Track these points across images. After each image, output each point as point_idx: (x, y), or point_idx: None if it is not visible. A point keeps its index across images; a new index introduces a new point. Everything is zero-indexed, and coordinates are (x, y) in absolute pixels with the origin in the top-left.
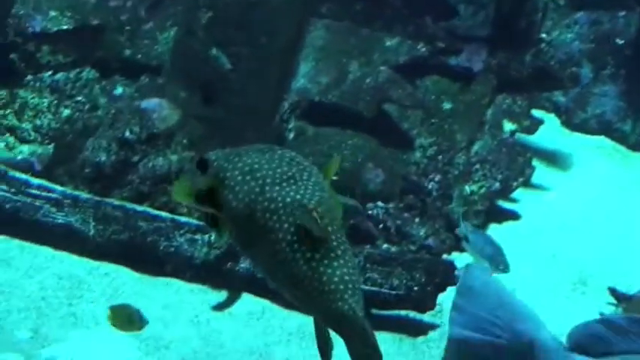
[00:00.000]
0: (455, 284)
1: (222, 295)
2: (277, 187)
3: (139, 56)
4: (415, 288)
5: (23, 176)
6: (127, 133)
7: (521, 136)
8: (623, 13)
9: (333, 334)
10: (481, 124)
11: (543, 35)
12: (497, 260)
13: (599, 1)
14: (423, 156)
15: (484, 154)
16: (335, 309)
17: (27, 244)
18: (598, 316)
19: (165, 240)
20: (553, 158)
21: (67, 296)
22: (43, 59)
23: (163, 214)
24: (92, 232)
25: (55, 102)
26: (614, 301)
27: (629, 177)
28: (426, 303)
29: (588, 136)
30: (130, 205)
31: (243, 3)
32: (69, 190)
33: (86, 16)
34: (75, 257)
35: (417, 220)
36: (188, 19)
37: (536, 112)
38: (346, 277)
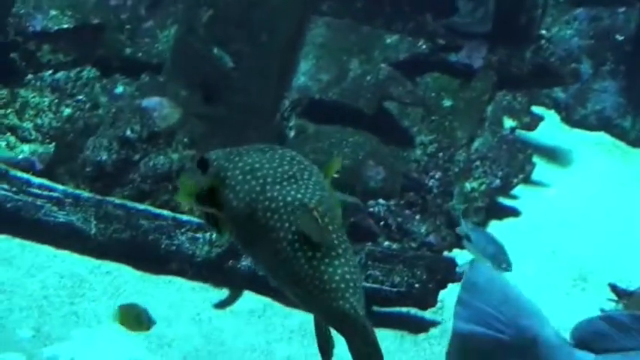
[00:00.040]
0: (456, 281)
1: (223, 293)
2: (278, 187)
3: (140, 55)
4: (416, 285)
5: (24, 175)
6: (128, 132)
7: (522, 133)
8: (622, 9)
9: (334, 332)
10: (481, 120)
11: (543, 32)
12: (500, 259)
13: None
14: (423, 153)
15: (484, 151)
16: (336, 308)
17: (28, 243)
18: (598, 313)
19: (167, 238)
20: (553, 155)
21: (69, 295)
22: (43, 58)
23: (165, 212)
24: (93, 230)
25: (56, 101)
26: (615, 298)
27: (629, 173)
28: (428, 300)
29: (588, 133)
30: (131, 204)
31: (243, 1)
32: (70, 189)
33: (86, 15)
34: (76, 256)
35: (417, 217)
36: (189, 17)
37: (536, 109)
38: (347, 276)
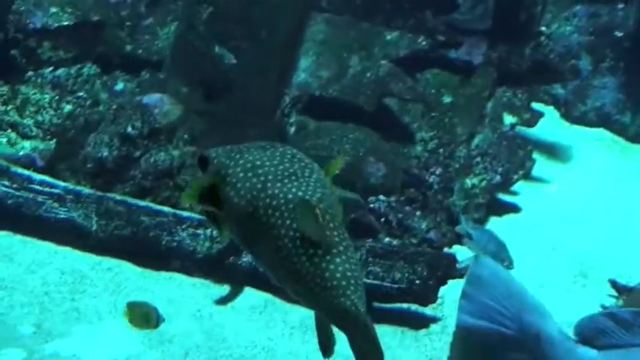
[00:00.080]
0: (456, 277)
1: (224, 289)
2: (279, 184)
3: (140, 51)
4: (417, 281)
5: (25, 172)
6: (129, 129)
7: (522, 129)
8: (621, 6)
9: (335, 329)
10: (481, 117)
11: (543, 28)
12: (501, 256)
13: None
14: (423, 149)
15: (485, 148)
16: (337, 305)
17: (29, 240)
18: (599, 309)
19: (168, 235)
20: (553, 151)
21: (70, 291)
22: (44, 55)
23: (165, 208)
24: (95, 227)
25: (57, 98)
26: (615, 294)
27: (628, 169)
28: (428, 296)
29: (588, 129)
30: (132, 200)
31: None
32: (71, 186)
33: (87, 12)
34: (77, 252)
35: (418, 213)
36: (189, 14)
37: (536, 105)
38: (348, 273)
